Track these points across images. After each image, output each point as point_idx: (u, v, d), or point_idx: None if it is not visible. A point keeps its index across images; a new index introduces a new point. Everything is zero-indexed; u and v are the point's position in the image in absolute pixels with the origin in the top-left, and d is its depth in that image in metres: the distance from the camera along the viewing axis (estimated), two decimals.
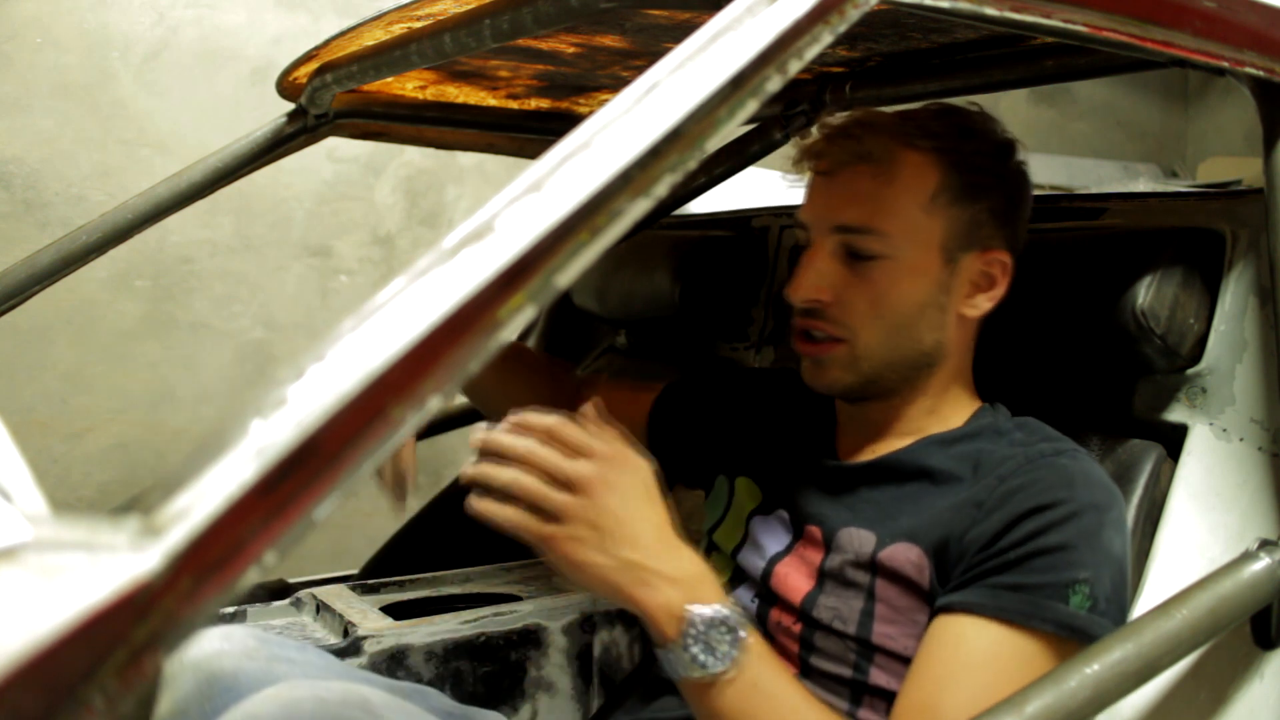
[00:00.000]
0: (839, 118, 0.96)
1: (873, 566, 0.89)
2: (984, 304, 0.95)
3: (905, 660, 0.87)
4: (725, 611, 0.75)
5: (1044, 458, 0.87)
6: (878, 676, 0.88)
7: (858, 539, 0.91)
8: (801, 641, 0.92)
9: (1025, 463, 0.87)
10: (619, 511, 0.74)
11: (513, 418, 0.75)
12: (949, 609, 0.83)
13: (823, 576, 0.93)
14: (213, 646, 0.96)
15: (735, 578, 1.01)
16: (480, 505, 0.72)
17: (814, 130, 0.98)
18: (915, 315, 0.91)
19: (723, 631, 0.74)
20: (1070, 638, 0.80)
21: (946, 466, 0.91)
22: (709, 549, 1.07)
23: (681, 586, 0.74)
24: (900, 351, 0.92)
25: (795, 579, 0.94)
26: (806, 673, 0.92)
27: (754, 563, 0.99)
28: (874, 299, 0.90)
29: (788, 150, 1.13)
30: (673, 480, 1.20)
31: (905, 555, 0.88)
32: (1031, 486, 0.84)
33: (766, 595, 0.97)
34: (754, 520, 1.02)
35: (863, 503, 0.94)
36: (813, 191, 0.95)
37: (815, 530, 0.95)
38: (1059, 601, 0.80)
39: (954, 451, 0.92)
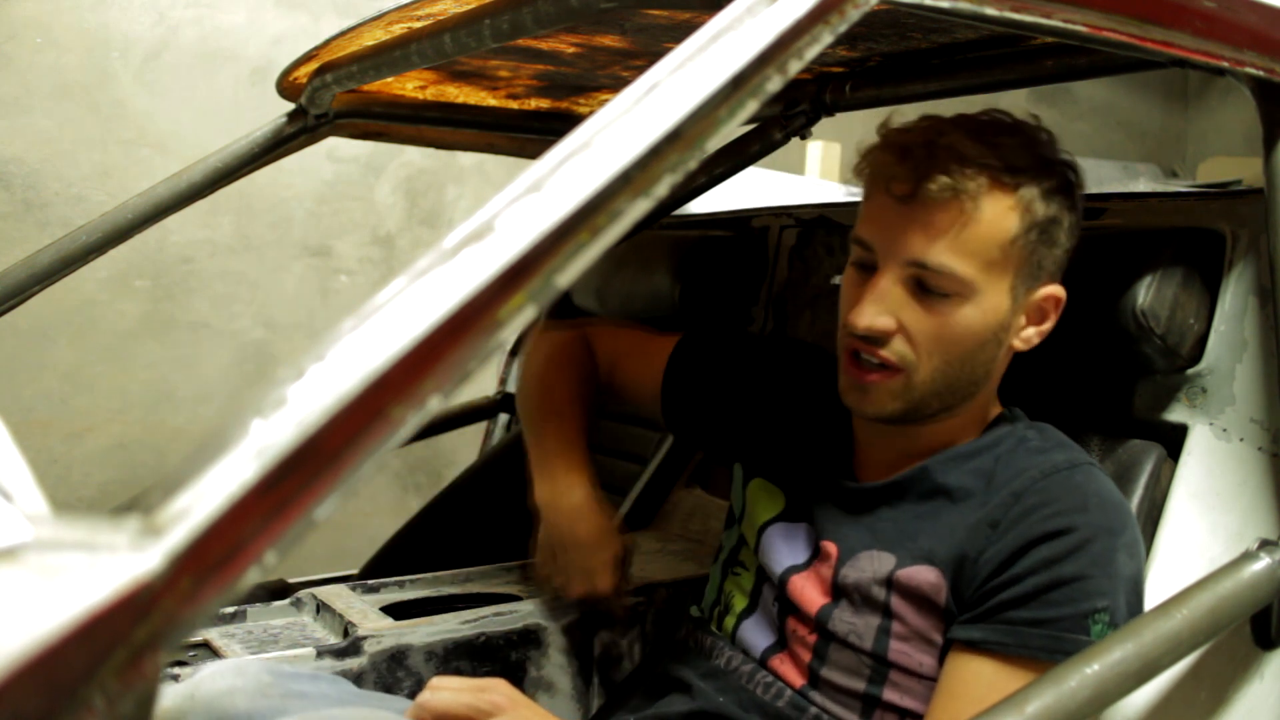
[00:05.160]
0: (907, 126, 0.90)
1: (890, 585, 0.89)
2: (1034, 338, 0.93)
3: (919, 677, 0.88)
4: None
5: (1058, 472, 0.87)
6: (890, 694, 0.89)
7: (877, 560, 0.91)
8: (815, 652, 0.93)
9: (1040, 477, 0.87)
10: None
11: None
12: (971, 646, 0.83)
13: (839, 592, 0.93)
14: (225, 683, 0.92)
15: (760, 576, 1.02)
16: None
17: (878, 136, 0.91)
18: (975, 350, 0.89)
19: None
20: None
21: (962, 483, 0.91)
22: (738, 543, 1.07)
23: None
24: (951, 382, 0.90)
25: (811, 592, 0.95)
26: (815, 684, 0.92)
27: (773, 567, 0.99)
28: (940, 334, 0.88)
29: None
30: (693, 447, 1.18)
31: (924, 576, 0.88)
32: (1045, 507, 0.84)
33: (785, 602, 0.97)
34: (774, 526, 1.02)
35: (881, 523, 0.94)
36: (883, 213, 0.89)
37: (832, 548, 0.95)
38: (1080, 634, 0.80)
39: (970, 466, 0.92)
